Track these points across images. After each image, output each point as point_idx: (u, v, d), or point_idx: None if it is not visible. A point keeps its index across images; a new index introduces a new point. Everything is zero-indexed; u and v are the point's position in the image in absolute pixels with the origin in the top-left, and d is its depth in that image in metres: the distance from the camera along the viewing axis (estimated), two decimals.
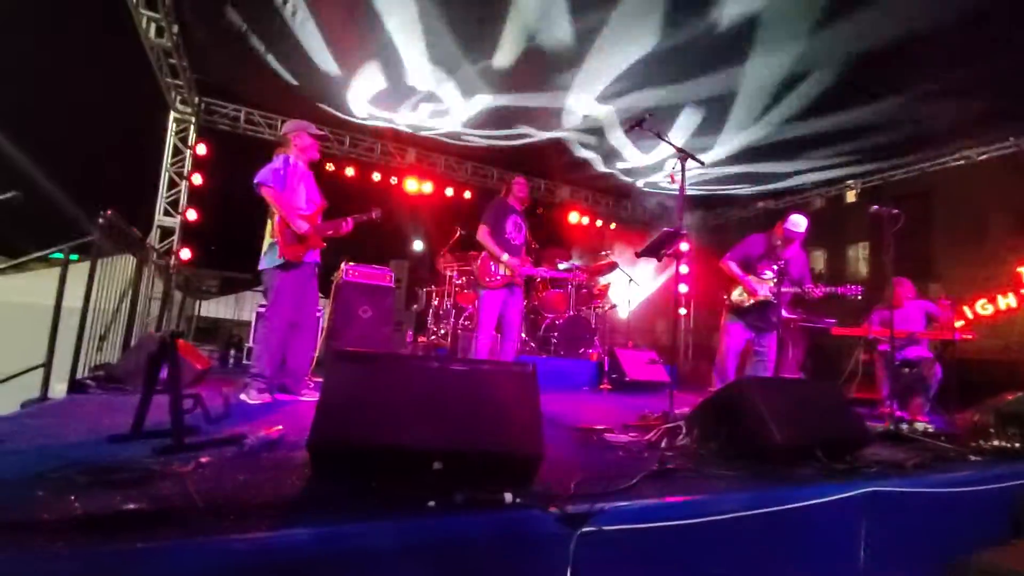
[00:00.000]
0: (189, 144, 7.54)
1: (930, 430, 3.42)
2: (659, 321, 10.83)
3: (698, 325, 10.81)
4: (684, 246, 8.31)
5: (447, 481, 1.44)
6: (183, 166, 7.54)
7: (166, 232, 7.46)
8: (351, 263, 5.30)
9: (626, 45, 5.32)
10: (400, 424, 1.53)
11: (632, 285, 7.69)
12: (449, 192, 9.25)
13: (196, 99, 7.43)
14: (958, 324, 7.09)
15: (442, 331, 7.32)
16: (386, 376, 1.64)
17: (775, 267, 4.37)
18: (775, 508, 1.73)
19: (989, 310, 7.46)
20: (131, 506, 1.24)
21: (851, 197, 9.01)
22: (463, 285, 7.04)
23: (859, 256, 9.54)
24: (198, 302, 8.20)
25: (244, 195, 3.59)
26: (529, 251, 4.67)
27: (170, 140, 7.50)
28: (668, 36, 5.15)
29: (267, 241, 3.44)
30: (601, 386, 6.32)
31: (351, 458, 1.51)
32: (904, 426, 3.45)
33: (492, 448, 1.58)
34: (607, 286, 7.73)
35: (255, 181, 3.35)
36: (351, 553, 1.21)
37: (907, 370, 5.24)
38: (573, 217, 10.41)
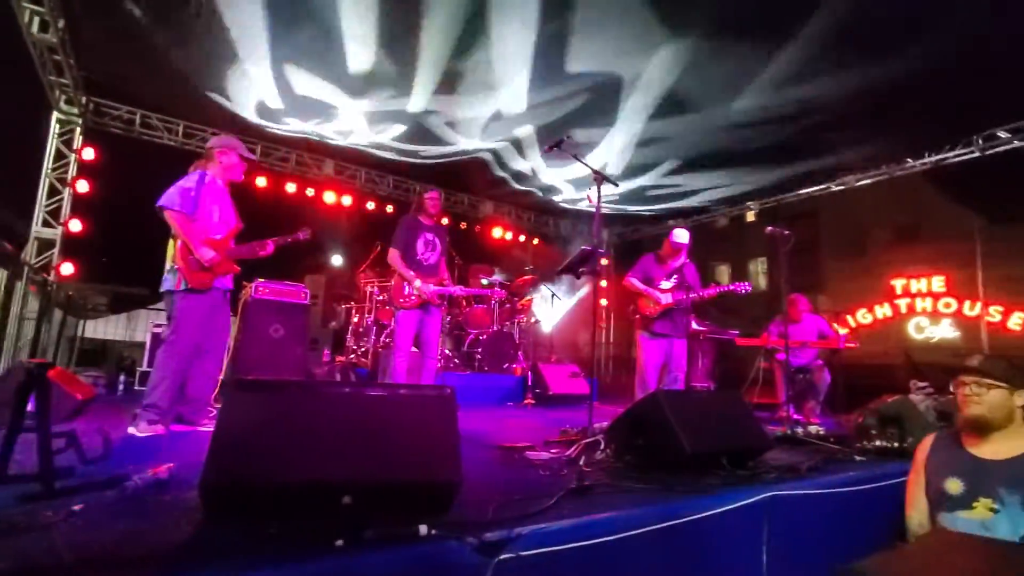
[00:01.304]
0: (74, 148, 6.84)
1: (822, 432, 3.70)
2: (581, 334, 11.12)
3: (618, 338, 11.21)
4: (603, 261, 8.63)
5: (358, 516, 1.36)
6: (67, 171, 6.83)
7: (45, 244, 6.69)
8: (260, 280, 4.98)
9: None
10: (305, 457, 1.43)
11: (555, 299, 7.84)
12: (370, 206, 9.00)
13: (83, 99, 6.77)
14: (843, 331, 7.85)
15: (362, 349, 7.07)
16: (289, 405, 1.53)
17: (670, 277, 4.69)
18: (685, 519, 1.79)
19: (868, 319, 8.31)
20: None
21: (751, 216, 9.74)
22: (384, 301, 6.85)
23: (759, 269, 10.35)
24: (82, 321, 7.42)
25: (140, 204, 3.31)
26: (450, 267, 4.64)
27: (52, 143, 6.77)
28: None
29: (168, 265, 3.18)
30: (525, 401, 6.36)
31: (249, 497, 1.39)
32: (799, 429, 3.73)
33: (407, 477, 1.52)
34: (530, 301, 7.83)
35: (158, 204, 3.09)
36: None
37: (801, 376, 5.72)
38: (496, 232, 10.47)
